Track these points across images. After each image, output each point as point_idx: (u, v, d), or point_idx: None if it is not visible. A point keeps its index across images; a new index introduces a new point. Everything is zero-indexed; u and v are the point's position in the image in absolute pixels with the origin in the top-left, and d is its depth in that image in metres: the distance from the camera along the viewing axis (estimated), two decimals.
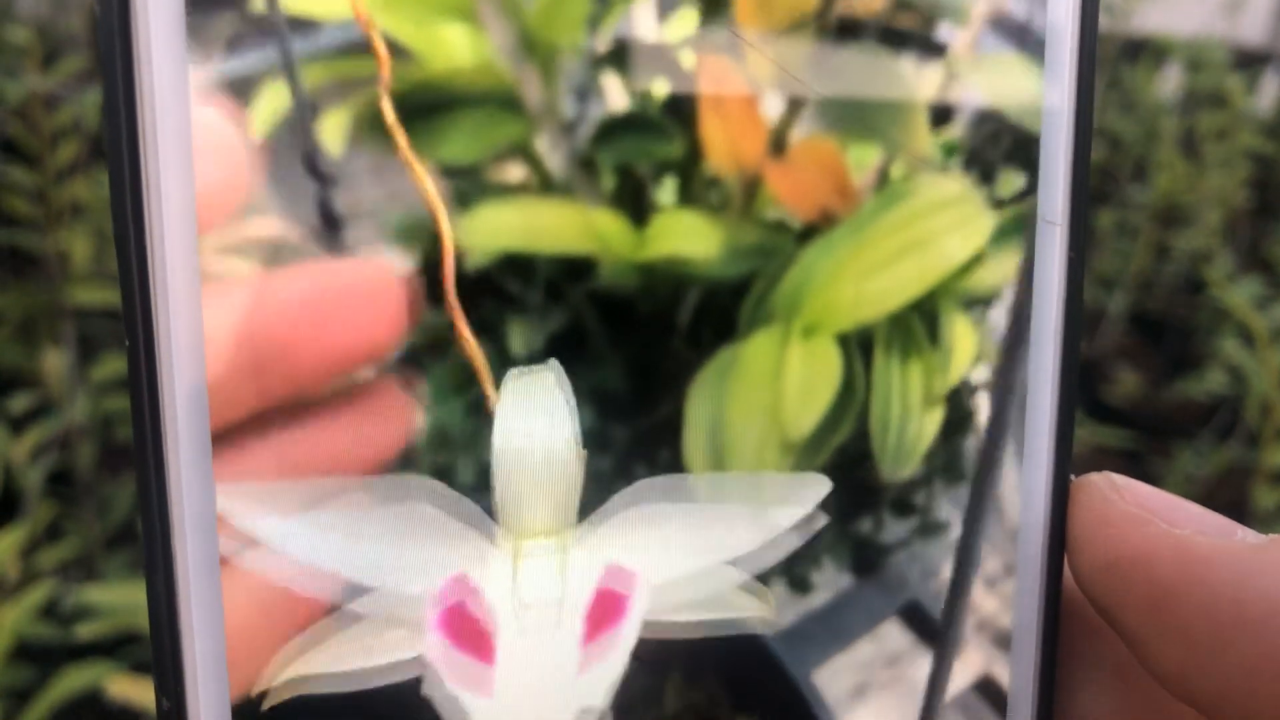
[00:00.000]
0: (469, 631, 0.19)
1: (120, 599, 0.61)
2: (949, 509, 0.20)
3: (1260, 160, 1.29)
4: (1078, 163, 0.15)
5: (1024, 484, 0.15)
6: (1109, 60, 1.36)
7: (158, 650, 0.14)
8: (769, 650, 0.20)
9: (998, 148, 0.18)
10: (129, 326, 0.15)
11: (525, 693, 0.18)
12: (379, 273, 0.19)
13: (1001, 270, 0.19)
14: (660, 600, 0.19)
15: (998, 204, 0.19)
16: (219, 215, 0.17)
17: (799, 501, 0.20)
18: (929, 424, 0.20)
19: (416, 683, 0.18)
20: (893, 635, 0.20)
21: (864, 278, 0.20)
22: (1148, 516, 0.14)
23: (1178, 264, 1.24)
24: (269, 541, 0.17)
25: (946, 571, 0.20)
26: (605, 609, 0.19)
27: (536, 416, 0.20)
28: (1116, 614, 0.14)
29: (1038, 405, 0.15)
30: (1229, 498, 0.96)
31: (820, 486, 0.20)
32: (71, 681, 0.58)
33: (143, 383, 0.15)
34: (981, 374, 0.19)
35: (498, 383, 0.20)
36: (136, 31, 0.15)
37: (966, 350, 0.20)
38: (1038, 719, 0.16)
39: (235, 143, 0.17)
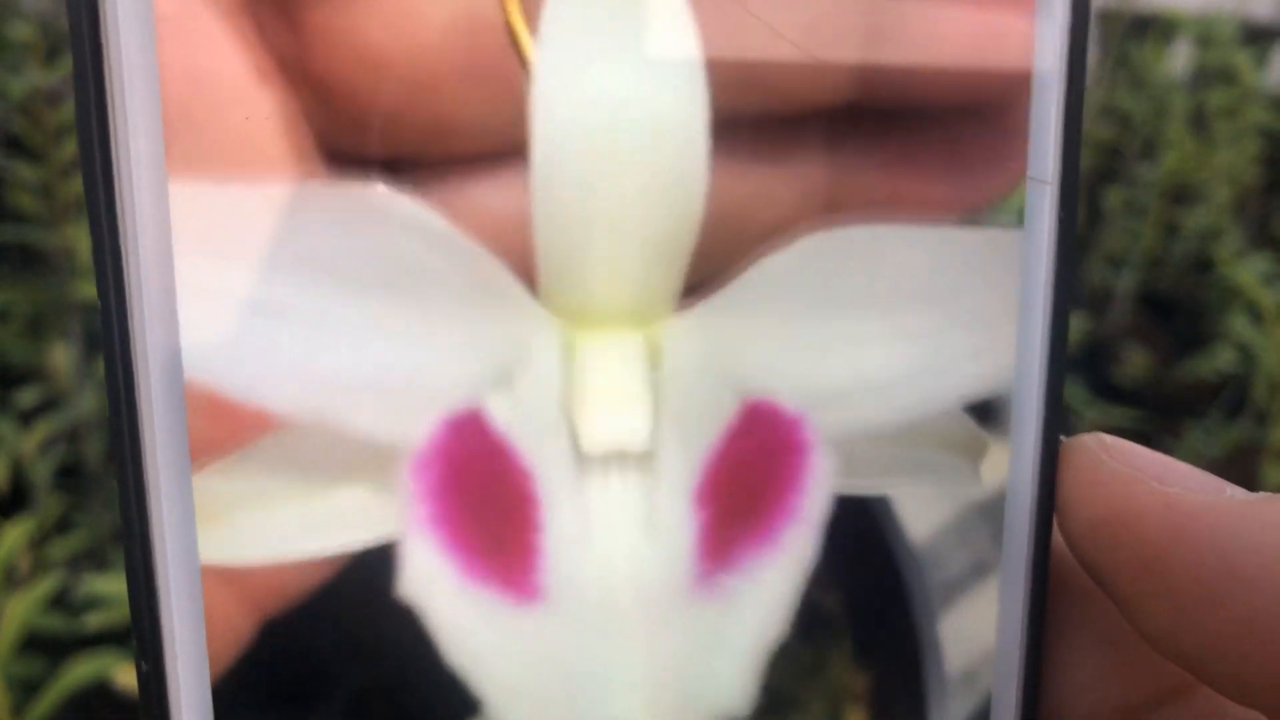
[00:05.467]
0: (488, 502, 0.11)
1: None
2: None
3: (1270, 136, 1.28)
4: (1069, 118, 0.15)
5: (1013, 447, 0.14)
6: (1117, 37, 1.35)
7: (136, 616, 0.13)
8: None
9: None
10: (101, 295, 0.13)
11: (597, 611, 0.10)
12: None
13: None
14: (841, 464, 0.11)
15: None
16: None
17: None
18: None
19: (383, 579, 0.11)
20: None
21: None
22: (1136, 475, 0.14)
23: (1187, 242, 1.23)
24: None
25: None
26: (742, 480, 0.11)
27: (615, 63, 0.10)
28: (1105, 574, 0.14)
29: (1026, 371, 0.15)
30: (1239, 475, 0.95)
31: None
32: (81, 671, 0.59)
33: (115, 343, 0.12)
34: None
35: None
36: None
37: None
38: (1025, 682, 0.15)
39: None
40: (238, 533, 0.11)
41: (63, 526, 0.74)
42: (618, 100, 0.10)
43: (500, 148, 0.11)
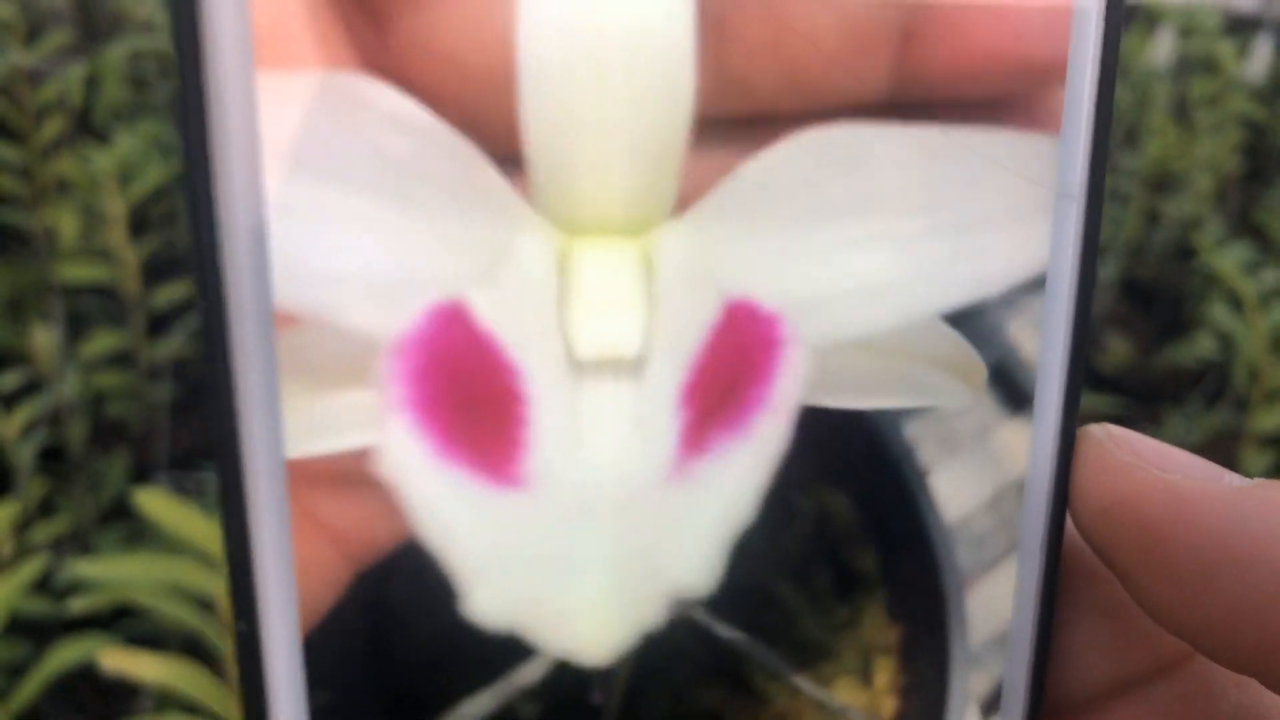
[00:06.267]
0: (471, 392, 0.11)
1: (113, 573, 0.61)
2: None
3: (1250, 126, 1.29)
4: (1098, 139, 0.15)
5: (1033, 440, 0.16)
6: None
7: (234, 576, 0.13)
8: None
9: None
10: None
11: (575, 499, 0.11)
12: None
13: None
14: (820, 372, 0.11)
15: None
16: None
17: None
18: None
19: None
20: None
21: None
22: (1140, 463, 0.15)
23: (1168, 230, 1.24)
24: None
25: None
26: (722, 378, 0.11)
27: None
28: (1112, 555, 0.15)
29: (1048, 372, 0.15)
30: (1218, 461, 0.96)
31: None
32: (65, 655, 0.59)
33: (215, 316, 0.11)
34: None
35: None
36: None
37: None
38: (1036, 654, 0.16)
39: None
40: None
41: (46, 510, 0.73)
42: (601, 16, 0.10)
43: None
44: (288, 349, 0.11)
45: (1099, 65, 0.14)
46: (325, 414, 0.11)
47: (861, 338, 0.12)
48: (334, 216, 0.10)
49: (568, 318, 0.11)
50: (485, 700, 0.13)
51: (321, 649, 0.12)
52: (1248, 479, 0.15)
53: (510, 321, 0.11)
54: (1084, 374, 0.16)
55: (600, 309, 0.11)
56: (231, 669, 0.51)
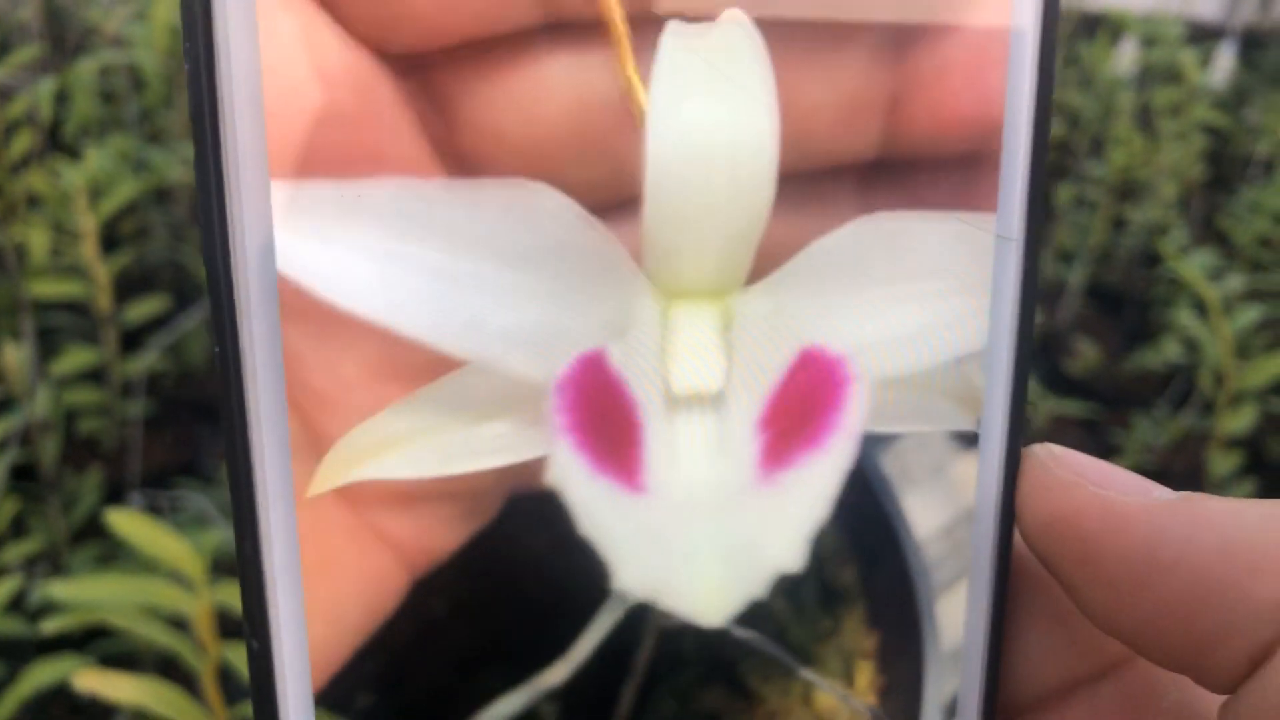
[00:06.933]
0: (608, 420, 0.14)
1: (86, 593, 0.61)
2: None
3: (1214, 133, 1.31)
4: (1034, 181, 0.16)
5: (981, 461, 0.17)
6: (1066, 36, 1.38)
7: (246, 598, 0.14)
8: None
9: None
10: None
11: (684, 502, 0.14)
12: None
13: None
14: (874, 407, 0.14)
15: None
16: None
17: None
18: None
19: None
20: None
21: None
22: (1079, 480, 0.16)
23: (1134, 237, 1.26)
24: (323, 272, 0.13)
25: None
26: (799, 407, 0.14)
27: (709, 99, 0.13)
28: (1055, 565, 0.16)
29: (993, 404, 0.17)
30: (1185, 464, 0.98)
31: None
32: (39, 676, 0.58)
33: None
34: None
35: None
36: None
37: None
38: (989, 657, 0.18)
39: None
40: (418, 455, 0.14)
41: (17, 529, 0.72)
42: (710, 128, 0.13)
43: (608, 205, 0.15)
44: (452, 388, 0.14)
45: (1032, 132, 0.15)
46: (478, 439, 0.14)
47: (898, 375, 0.15)
48: (507, 288, 0.14)
49: (666, 361, 0.14)
50: (512, 702, 0.15)
51: (376, 652, 0.15)
52: (1175, 493, 0.16)
53: (631, 365, 0.14)
54: (1025, 400, 0.17)
55: (690, 355, 0.14)
56: (206, 689, 0.51)
